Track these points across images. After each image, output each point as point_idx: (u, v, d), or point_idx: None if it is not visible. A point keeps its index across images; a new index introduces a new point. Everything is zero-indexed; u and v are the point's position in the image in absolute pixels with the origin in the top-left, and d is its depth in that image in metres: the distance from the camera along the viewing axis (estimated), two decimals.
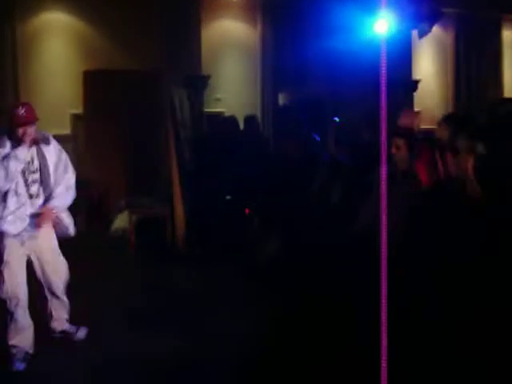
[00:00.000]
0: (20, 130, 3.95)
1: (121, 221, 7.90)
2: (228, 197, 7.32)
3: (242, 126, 7.96)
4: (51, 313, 4.33)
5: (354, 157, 5.85)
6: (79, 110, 9.12)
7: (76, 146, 9.00)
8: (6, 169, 3.87)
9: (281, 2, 9.99)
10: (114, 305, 5.24)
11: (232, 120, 7.92)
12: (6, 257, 4.02)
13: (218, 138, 7.57)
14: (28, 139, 3.97)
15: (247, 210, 6.96)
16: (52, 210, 4.14)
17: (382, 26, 2.34)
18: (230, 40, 10.00)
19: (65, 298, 4.37)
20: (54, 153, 4.22)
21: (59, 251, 4.35)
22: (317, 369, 3.85)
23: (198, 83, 8.28)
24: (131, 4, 9.11)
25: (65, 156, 4.31)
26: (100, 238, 7.89)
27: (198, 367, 3.99)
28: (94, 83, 9.05)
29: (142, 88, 9.15)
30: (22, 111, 3.99)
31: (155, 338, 4.45)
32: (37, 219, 4.05)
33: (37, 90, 9.01)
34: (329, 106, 8.92)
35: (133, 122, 9.11)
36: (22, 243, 4.07)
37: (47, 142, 4.19)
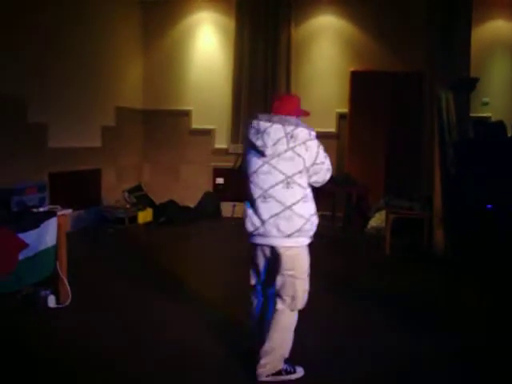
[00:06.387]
0: None
1: (377, 219, 8.10)
2: (489, 205, 7.05)
3: (510, 132, 7.62)
4: None
5: None
6: (344, 109, 9.52)
7: (340, 143, 9.45)
8: None
9: None
10: (360, 298, 5.39)
11: (500, 125, 7.59)
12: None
13: (484, 143, 7.32)
14: None
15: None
16: None
17: None
18: (502, 41, 9.53)
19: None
20: None
21: None
22: None
23: (466, 86, 8.05)
24: (399, 8, 9.23)
25: None
26: (357, 235, 8.26)
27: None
28: (360, 83, 9.39)
29: (407, 89, 9.25)
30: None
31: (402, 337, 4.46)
32: None
33: (306, 87, 9.59)
34: None
35: (396, 122, 9.27)
36: None
37: None
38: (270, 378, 3.55)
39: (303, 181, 3.41)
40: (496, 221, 6.77)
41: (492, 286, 5.96)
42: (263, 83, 9.73)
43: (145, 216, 9.16)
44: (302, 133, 3.37)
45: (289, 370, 3.60)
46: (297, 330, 3.61)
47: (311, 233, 3.49)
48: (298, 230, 3.39)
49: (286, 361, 3.62)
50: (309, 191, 3.47)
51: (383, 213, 7.81)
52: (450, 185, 7.04)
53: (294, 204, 3.37)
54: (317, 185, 3.54)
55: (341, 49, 9.70)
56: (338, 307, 5.09)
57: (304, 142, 3.36)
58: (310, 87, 9.62)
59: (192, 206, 9.80)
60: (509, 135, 7.49)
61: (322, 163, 3.44)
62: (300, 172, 3.37)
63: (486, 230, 6.75)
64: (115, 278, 5.90)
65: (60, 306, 4.83)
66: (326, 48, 9.76)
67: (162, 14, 10.11)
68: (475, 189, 6.97)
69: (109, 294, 5.39)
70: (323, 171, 3.47)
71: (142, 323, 4.61)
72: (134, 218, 8.96)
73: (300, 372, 3.62)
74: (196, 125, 10.21)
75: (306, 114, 3.69)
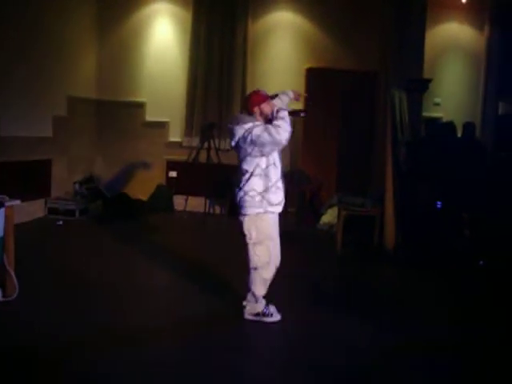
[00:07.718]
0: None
1: (330, 216, 8.18)
2: (439, 203, 7.21)
3: (459, 133, 7.80)
4: None
5: None
6: (299, 106, 9.53)
7: (294, 140, 9.45)
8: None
9: None
10: (313, 294, 5.48)
11: (450, 125, 7.76)
12: (269, 230, 4.40)
13: (435, 143, 7.47)
14: None
15: None
16: None
17: None
18: (454, 44, 9.74)
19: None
20: None
21: None
22: None
23: (418, 86, 8.20)
24: (356, 8, 9.32)
25: None
26: (309, 230, 8.32)
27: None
28: (315, 80, 9.44)
29: (361, 88, 9.36)
30: None
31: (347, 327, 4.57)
32: None
33: (261, 83, 9.56)
34: None
35: (349, 120, 9.38)
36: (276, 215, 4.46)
37: None
38: (251, 317, 4.48)
39: (247, 166, 4.31)
40: (445, 218, 6.93)
41: (441, 283, 6.10)
42: (219, 77, 9.68)
43: (95, 208, 9.00)
44: (240, 129, 4.28)
45: (267, 313, 4.49)
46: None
47: (252, 203, 4.29)
48: (239, 202, 4.38)
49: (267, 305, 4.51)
50: (257, 171, 4.28)
51: (335, 209, 7.87)
52: (401, 182, 7.16)
53: (240, 183, 4.36)
54: (278, 147, 4.30)
55: (297, 45, 9.71)
56: (292, 302, 5.11)
57: (242, 136, 4.25)
58: (266, 82, 9.53)
59: (144, 199, 9.68)
60: (458, 135, 7.68)
61: (259, 136, 4.16)
62: (242, 160, 4.35)
63: (435, 228, 6.91)
64: (64, 271, 5.79)
65: (6, 299, 4.70)
66: (283, 44, 9.75)
67: (117, 2, 9.93)
68: (426, 187, 7.12)
69: (58, 286, 5.29)
70: (267, 137, 4.16)
71: (95, 314, 4.57)
72: (85, 210, 8.80)
73: (277, 317, 4.51)
74: (150, 117, 10.09)
75: (267, 98, 4.48)
